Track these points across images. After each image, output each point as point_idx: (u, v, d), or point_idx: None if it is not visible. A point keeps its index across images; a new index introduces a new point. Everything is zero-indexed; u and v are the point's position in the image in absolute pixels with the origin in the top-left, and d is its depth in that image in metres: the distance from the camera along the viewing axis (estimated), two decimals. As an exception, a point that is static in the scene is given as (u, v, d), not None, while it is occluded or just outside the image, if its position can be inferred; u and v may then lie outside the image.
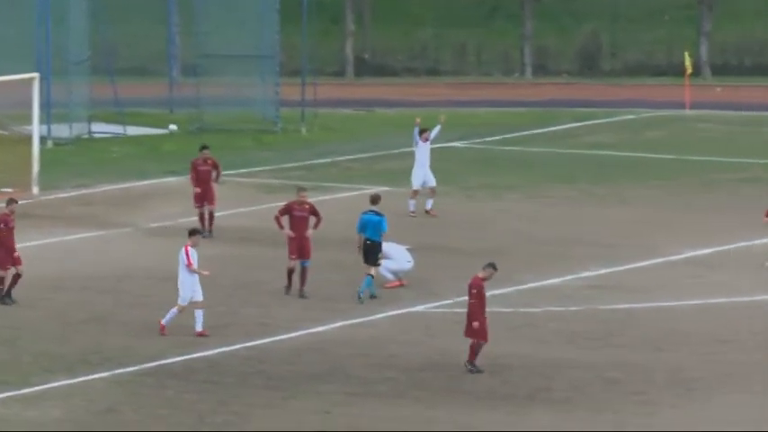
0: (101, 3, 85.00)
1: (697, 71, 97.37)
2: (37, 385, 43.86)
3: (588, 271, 55.38)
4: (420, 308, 51.25)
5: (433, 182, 66.03)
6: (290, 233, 52.06)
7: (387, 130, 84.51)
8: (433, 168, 73.79)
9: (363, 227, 54.38)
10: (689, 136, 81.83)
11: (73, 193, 68.60)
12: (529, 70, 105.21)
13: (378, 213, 54.35)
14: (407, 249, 53.73)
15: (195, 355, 46.87)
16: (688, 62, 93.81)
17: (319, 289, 53.30)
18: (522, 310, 51.37)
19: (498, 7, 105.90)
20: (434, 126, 68.54)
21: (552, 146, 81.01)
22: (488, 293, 49.63)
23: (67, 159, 74.83)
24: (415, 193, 65.69)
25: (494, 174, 73.76)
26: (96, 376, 44.77)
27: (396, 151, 79.28)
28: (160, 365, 45.86)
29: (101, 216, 62.10)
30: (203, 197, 58.60)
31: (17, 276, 51.77)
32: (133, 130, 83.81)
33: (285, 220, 52.71)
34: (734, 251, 58.77)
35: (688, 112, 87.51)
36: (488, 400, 43.20)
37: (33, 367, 45.52)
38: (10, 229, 52.98)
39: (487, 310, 47.91)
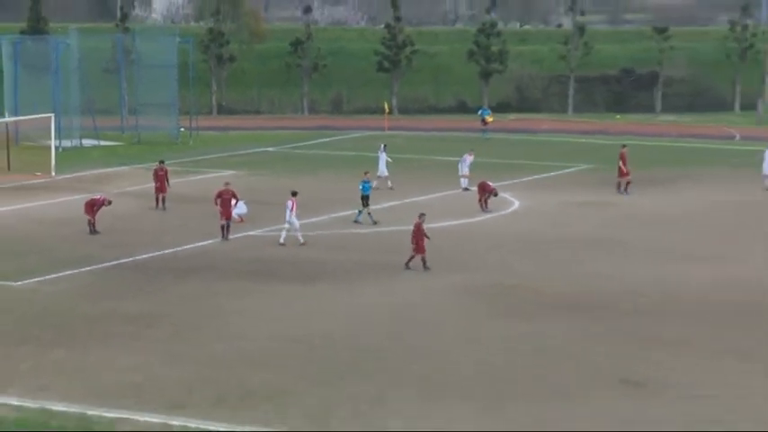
0: (84, 75, 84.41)
1: (393, 111, 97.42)
2: (53, 272, 44.12)
3: (328, 213, 55.63)
4: (252, 233, 51.41)
5: (386, 173, 63.56)
6: (220, 208, 49.84)
7: (236, 142, 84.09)
8: (258, 163, 73.70)
9: (363, 186, 53.99)
10: (389, 144, 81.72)
11: (73, 175, 68.29)
12: (306, 110, 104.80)
13: (365, 181, 54.27)
14: (245, 203, 53.40)
15: (136, 258, 46.97)
16: (387, 106, 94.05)
17: (202, 224, 52.64)
18: (309, 233, 50.89)
19: (290, 78, 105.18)
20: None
21: (320, 150, 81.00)
22: (267, 229, 49.96)
23: (69, 158, 74.23)
24: (386, 178, 63.29)
25: (291, 164, 73.90)
26: (80, 269, 44.85)
27: (241, 152, 79.11)
28: (118, 263, 46.00)
29: (88, 187, 61.93)
30: (160, 189, 56.85)
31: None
32: (104, 143, 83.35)
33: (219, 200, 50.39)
34: (407, 203, 58.48)
35: (388, 132, 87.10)
36: (289, 279, 43.25)
37: (49, 265, 45.33)
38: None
39: (269, 232, 48.36)
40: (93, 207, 51.52)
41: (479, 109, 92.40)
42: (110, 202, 52.52)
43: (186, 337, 35.75)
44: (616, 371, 32.46)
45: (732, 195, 61.27)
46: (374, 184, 58.97)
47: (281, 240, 49.43)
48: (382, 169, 63.72)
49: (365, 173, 55.73)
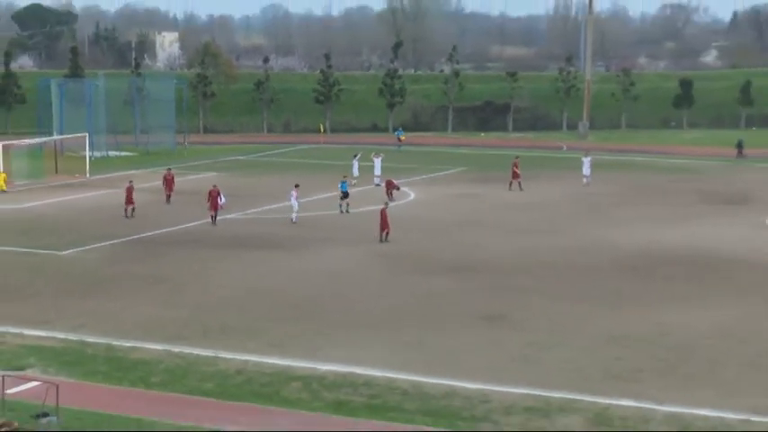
0: (109, 106, 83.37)
1: (326, 131, 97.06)
2: (88, 244, 43.52)
3: (282, 202, 55.05)
4: (229, 216, 50.93)
5: (357, 175, 62.12)
6: (208, 203, 48.75)
7: (217, 153, 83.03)
8: (233, 167, 72.87)
9: (342, 185, 52.43)
10: (323, 153, 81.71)
11: (102, 176, 67.28)
12: (266, 130, 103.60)
13: (344, 181, 53.12)
14: (224, 195, 52.44)
15: (146, 234, 46.50)
16: (321, 128, 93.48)
17: (194, 211, 51.95)
18: (267, 217, 50.64)
19: (254, 108, 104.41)
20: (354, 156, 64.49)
21: (275, 158, 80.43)
22: (239, 213, 49.43)
23: (99, 164, 73.26)
24: (355, 178, 61.41)
25: (256, 168, 73.16)
26: (107, 242, 44.33)
27: (221, 160, 77.84)
28: (135, 238, 45.56)
29: (113, 184, 61.36)
30: (170, 188, 55.47)
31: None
32: (123, 153, 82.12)
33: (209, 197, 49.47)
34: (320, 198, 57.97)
35: (323, 144, 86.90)
36: (256, 248, 42.86)
37: (85, 240, 44.84)
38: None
39: (241, 215, 47.68)
40: (131, 195, 51.07)
41: (395, 130, 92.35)
42: (131, 181, 52.66)
43: (181, 290, 35.65)
44: (481, 310, 32.65)
45: (561, 190, 61.75)
46: (353, 182, 58.58)
47: (294, 220, 48.98)
48: (355, 172, 62.76)
49: (344, 176, 54.86)
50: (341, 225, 48.76)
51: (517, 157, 63.95)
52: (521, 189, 60.58)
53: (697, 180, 66.39)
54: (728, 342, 28.96)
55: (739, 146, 79.53)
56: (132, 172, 69.35)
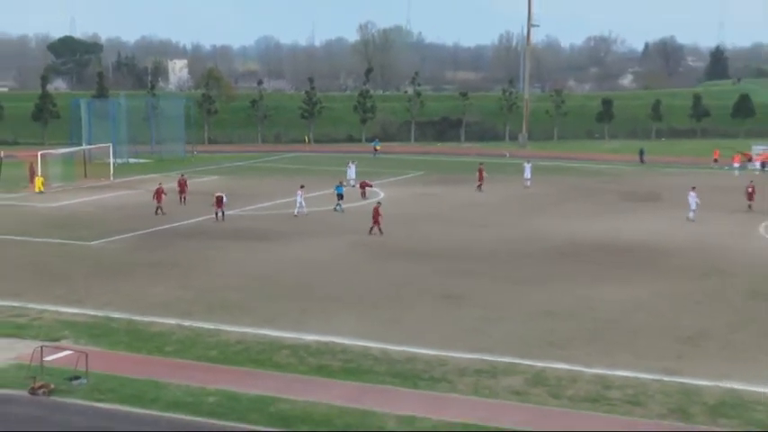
0: (130, 121, 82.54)
1: (310, 142, 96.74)
2: (112, 236, 42.97)
3: (274, 200, 54.68)
4: (233, 212, 50.41)
5: (353, 177, 61.70)
6: (215, 205, 47.59)
7: (219, 160, 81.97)
8: (233, 172, 72.25)
9: (337, 188, 51.28)
10: (309, 160, 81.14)
11: (124, 179, 66.41)
12: (260, 141, 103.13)
13: (340, 185, 52.18)
14: (226, 195, 52.03)
15: (160, 228, 46.01)
16: (306, 139, 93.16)
17: (200, 208, 51.38)
18: (262, 213, 50.28)
19: (250, 122, 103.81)
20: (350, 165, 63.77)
21: (268, 164, 79.94)
22: (239, 210, 49.00)
23: (121, 169, 72.25)
24: (352, 180, 61.03)
25: (252, 172, 72.46)
26: (128, 235, 43.79)
27: (223, 165, 76.81)
28: (152, 231, 45.03)
29: (133, 185, 60.68)
30: (182, 191, 54.18)
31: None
32: (141, 161, 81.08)
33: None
34: (323, 194, 57.68)
35: (308, 153, 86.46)
36: (252, 239, 42.22)
37: (110, 232, 44.27)
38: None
39: (241, 212, 47.09)
40: (160, 195, 50.39)
41: (372, 141, 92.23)
42: (160, 183, 52.13)
43: (190, 274, 35.38)
44: (440, 290, 32.56)
45: (506, 191, 61.68)
46: (351, 183, 57.93)
47: (300, 213, 48.36)
48: (351, 176, 62.30)
49: (340, 181, 54.25)
50: (327, 220, 48.42)
51: (482, 164, 63.62)
52: (477, 190, 60.46)
53: (616, 182, 66.62)
54: (645, 315, 29.00)
55: (641, 154, 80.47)
56: (149, 176, 68.72)
